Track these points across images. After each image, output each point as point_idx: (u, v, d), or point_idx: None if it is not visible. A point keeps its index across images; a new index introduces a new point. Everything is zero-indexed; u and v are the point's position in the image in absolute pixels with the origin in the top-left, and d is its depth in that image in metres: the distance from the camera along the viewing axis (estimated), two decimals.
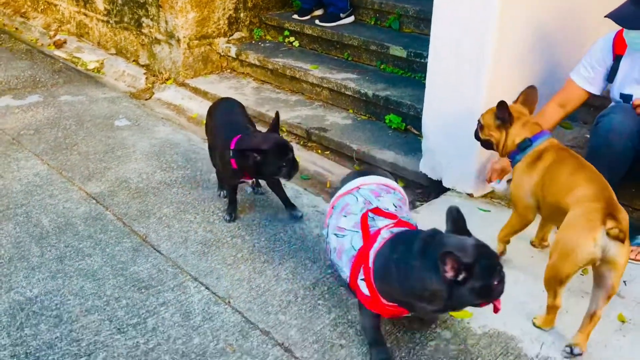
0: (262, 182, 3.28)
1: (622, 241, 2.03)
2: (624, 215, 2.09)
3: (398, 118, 3.90)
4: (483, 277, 1.78)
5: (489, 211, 3.05)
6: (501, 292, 1.85)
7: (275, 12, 5.26)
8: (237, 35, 5.11)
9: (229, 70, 5.11)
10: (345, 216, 2.17)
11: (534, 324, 2.29)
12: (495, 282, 1.81)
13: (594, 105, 2.98)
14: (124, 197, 3.23)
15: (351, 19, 4.90)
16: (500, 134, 2.52)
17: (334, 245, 2.17)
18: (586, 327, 2.15)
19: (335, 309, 2.41)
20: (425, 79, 3.20)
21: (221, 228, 2.96)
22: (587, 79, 2.89)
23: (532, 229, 2.68)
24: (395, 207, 2.19)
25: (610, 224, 2.02)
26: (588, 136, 3.06)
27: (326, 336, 2.27)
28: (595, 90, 2.89)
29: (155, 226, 2.97)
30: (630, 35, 2.61)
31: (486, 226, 2.71)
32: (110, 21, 5.59)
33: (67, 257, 2.71)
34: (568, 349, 2.15)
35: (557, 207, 2.27)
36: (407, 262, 1.87)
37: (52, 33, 6.20)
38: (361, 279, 2.02)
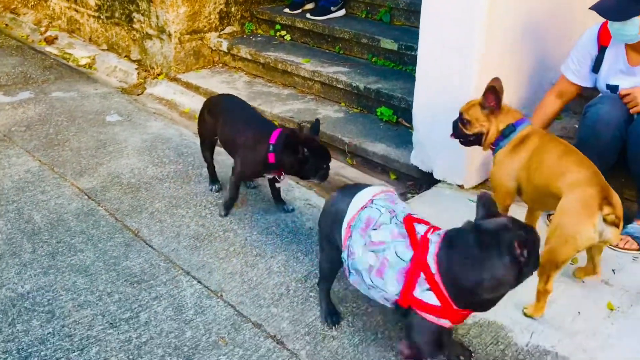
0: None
1: (617, 226, 2.13)
2: (617, 200, 2.17)
3: (389, 111, 3.91)
4: (535, 249, 1.81)
5: None
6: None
7: (266, 6, 5.25)
8: (228, 29, 5.10)
9: (220, 65, 5.10)
10: (375, 229, 1.97)
11: (524, 314, 2.31)
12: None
13: (583, 95, 3.00)
14: (116, 193, 3.24)
15: (342, 12, 4.89)
16: (490, 123, 2.53)
17: (370, 263, 1.94)
18: (591, 272, 2.43)
19: None
20: (416, 71, 3.21)
21: (213, 222, 2.97)
22: (575, 72, 2.92)
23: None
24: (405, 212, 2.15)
25: (607, 209, 2.10)
26: (577, 126, 3.08)
27: (318, 328, 2.28)
28: (586, 83, 2.90)
29: (147, 221, 2.98)
30: (614, 27, 2.63)
31: None
32: (102, 17, 5.57)
33: (59, 253, 2.71)
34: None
35: (546, 191, 2.32)
36: (474, 257, 1.78)
37: (43, 29, 6.17)
38: (425, 290, 1.84)
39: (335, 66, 4.39)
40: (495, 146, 2.54)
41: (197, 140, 3.87)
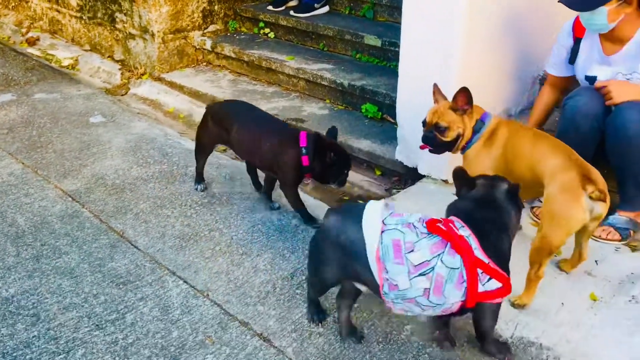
0: (242, 172, 3.28)
1: (604, 200, 2.19)
2: (597, 174, 2.24)
3: (374, 107, 3.92)
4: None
5: None
6: None
7: (249, 4, 5.23)
8: (212, 28, 5.08)
9: (204, 64, 5.08)
10: (411, 252, 1.91)
11: (513, 305, 2.33)
12: None
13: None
14: (101, 194, 3.22)
15: (326, 9, 4.89)
16: (464, 123, 2.55)
17: (424, 287, 1.90)
18: (576, 261, 2.46)
19: None
20: (398, 68, 3.22)
21: (198, 222, 2.97)
22: (554, 66, 2.97)
23: None
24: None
25: (590, 188, 2.17)
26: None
27: (304, 325, 2.29)
28: (566, 74, 2.95)
29: (132, 222, 2.97)
30: (584, 18, 2.66)
31: None
32: (84, 17, 5.53)
33: (43, 256, 2.70)
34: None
35: (528, 179, 2.37)
36: (500, 222, 2.04)
37: (24, 30, 6.11)
38: (487, 281, 1.91)
39: (320, 63, 4.39)
40: (466, 144, 2.57)
41: (182, 140, 3.89)
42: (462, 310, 1.99)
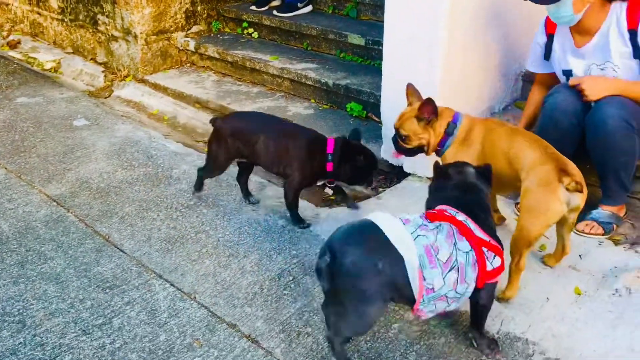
0: (232, 176, 3.27)
1: (581, 191, 2.22)
2: (573, 166, 2.28)
3: (359, 106, 3.93)
4: None
5: None
6: None
7: (232, 4, 5.22)
8: (195, 28, 5.06)
9: (188, 65, 5.06)
10: (439, 251, 1.93)
11: (498, 300, 2.35)
12: None
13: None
14: (85, 198, 3.20)
15: (309, 8, 4.89)
16: (429, 133, 2.57)
17: (454, 279, 1.93)
18: (560, 255, 2.49)
19: (301, 298, 2.43)
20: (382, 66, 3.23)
21: (185, 224, 2.96)
22: (533, 63, 3.02)
23: None
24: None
25: (566, 180, 2.20)
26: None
27: (292, 325, 2.29)
28: (545, 70, 2.98)
29: (118, 225, 2.95)
30: (550, 11, 2.70)
31: None
32: (65, 19, 5.48)
33: (28, 262, 2.68)
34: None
35: (507, 174, 2.42)
36: (484, 200, 2.15)
37: (5, 33, 6.05)
38: (492, 259, 1.98)
39: (304, 63, 4.39)
40: (441, 147, 2.59)
41: (167, 142, 3.88)
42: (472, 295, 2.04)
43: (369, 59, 4.31)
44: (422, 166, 3.22)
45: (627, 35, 2.60)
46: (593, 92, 2.60)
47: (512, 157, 2.39)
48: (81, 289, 2.51)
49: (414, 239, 1.91)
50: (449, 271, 1.91)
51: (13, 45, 5.81)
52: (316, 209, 3.11)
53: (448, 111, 2.60)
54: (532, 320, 2.28)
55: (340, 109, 4.07)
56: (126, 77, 4.94)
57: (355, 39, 4.29)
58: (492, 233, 2.07)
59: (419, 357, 2.13)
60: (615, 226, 2.74)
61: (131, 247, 2.78)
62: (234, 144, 2.89)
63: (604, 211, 2.75)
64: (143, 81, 4.83)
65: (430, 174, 3.16)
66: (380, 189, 3.30)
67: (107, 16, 4.97)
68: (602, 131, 2.56)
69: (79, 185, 3.33)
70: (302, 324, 2.29)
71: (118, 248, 2.78)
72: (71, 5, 5.33)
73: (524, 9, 3.38)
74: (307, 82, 4.20)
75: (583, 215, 2.60)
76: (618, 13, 2.62)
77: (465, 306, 2.33)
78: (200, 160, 3.57)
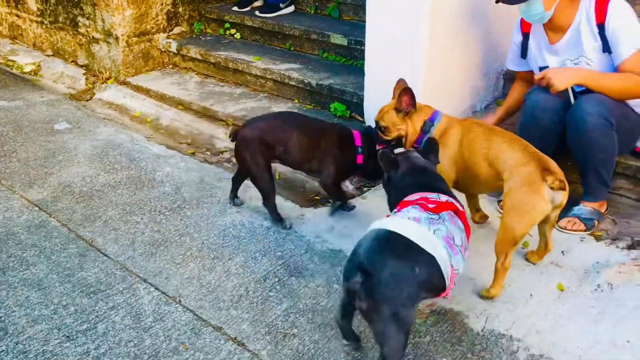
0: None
1: (564, 189, 2.25)
2: (555, 165, 2.31)
3: (342, 106, 3.93)
4: None
5: None
6: None
7: (214, 5, 5.20)
8: (177, 30, 5.03)
9: (170, 66, 5.03)
10: (455, 243, 2.06)
11: (484, 297, 2.37)
12: None
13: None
14: (68, 202, 3.17)
15: (291, 8, 4.89)
16: (407, 124, 2.61)
17: (467, 253, 2.18)
18: (543, 252, 2.53)
19: (287, 300, 2.43)
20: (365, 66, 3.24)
21: (169, 227, 2.94)
22: (511, 62, 3.06)
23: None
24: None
25: (549, 179, 2.23)
26: None
27: (278, 327, 2.29)
28: (524, 68, 3.02)
29: (101, 230, 2.93)
30: (522, 10, 2.74)
31: None
32: (45, 21, 5.42)
33: (9, 268, 2.64)
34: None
35: (486, 174, 2.43)
36: (435, 173, 2.35)
37: None
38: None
39: (287, 63, 4.39)
40: (418, 144, 2.61)
41: (150, 145, 3.85)
42: None
43: (352, 59, 4.32)
44: None
45: (596, 30, 2.63)
46: (559, 82, 2.57)
47: (492, 157, 2.41)
48: (65, 295, 2.48)
49: (432, 234, 2.00)
50: (465, 250, 2.13)
51: None
52: (301, 209, 3.11)
53: (427, 108, 2.63)
54: (516, 317, 2.30)
55: (324, 109, 4.07)
56: (108, 79, 4.90)
57: (338, 39, 4.29)
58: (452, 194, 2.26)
59: (405, 356, 2.14)
60: (596, 222, 2.77)
61: (115, 251, 2.76)
62: (267, 148, 2.84)
63: (585, 207, 2.77)
64: (125, 83, 4.79)
65: None
66: (365, 189, 3.30)
67: (87, 18, 4.92)
68: (582, 128, 2.59)
69: (61, 190, 3.30)
70: (288, 326, 2.29)
71: (102, 252, 2.75)
72: (50, 8, 5.27)
73: (503, 8, 3.41)
74: (291, 83, 4.20)
75: (565, 212, 2.62)
76: (587, 8, 2.65)
77: (449, 305, 2.35)
78: (184, 163, 3.56)
